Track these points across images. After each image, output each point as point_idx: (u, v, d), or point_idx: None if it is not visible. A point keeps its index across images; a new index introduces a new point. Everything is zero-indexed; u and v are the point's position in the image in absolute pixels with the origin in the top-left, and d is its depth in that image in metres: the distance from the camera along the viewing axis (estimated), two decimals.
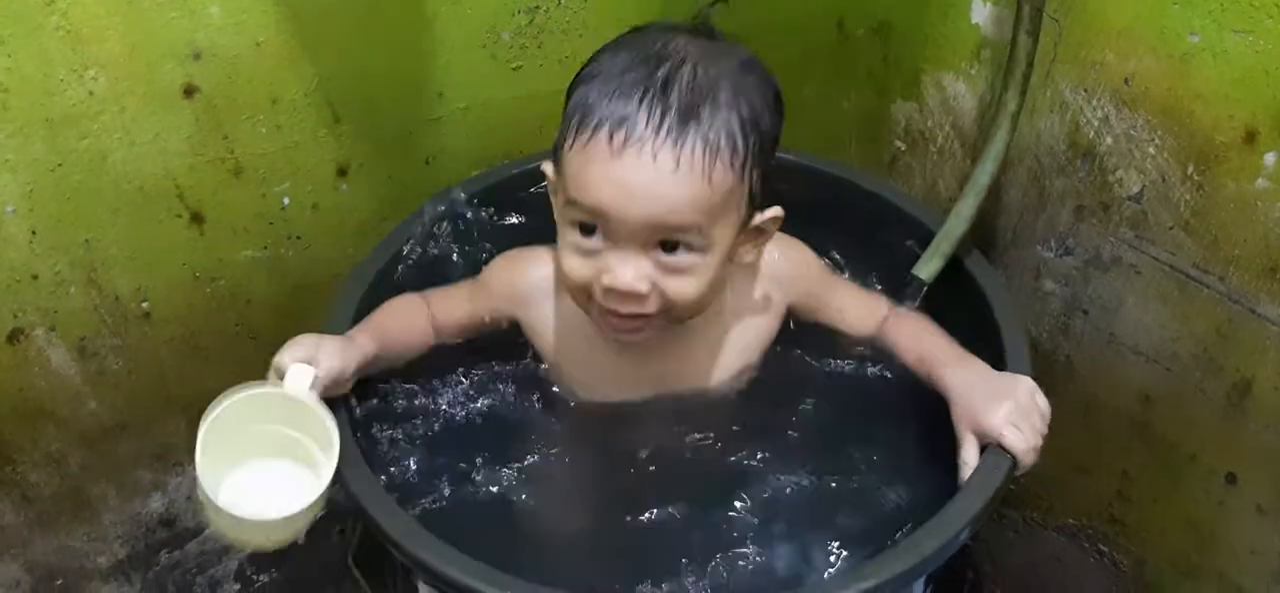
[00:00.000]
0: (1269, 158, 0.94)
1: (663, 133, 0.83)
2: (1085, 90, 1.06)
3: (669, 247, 0.87)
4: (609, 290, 0.87)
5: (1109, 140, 1.06)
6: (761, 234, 0.94)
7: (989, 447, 0.87)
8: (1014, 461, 0.86)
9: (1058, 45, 1.06)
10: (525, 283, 1.02)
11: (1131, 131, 1.03)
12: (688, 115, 0.84)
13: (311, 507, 0.84)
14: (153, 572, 1.32)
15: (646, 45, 0.88)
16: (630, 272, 0.87)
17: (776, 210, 0.93)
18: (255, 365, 0.94)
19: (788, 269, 1.03)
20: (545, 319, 1.02)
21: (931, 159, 1.28)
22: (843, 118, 1.37)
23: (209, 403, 0.91)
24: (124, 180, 1.05)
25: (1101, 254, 1.11)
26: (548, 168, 0.93)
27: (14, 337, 1.08)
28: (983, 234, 1.18)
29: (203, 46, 1.02)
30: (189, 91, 1.03)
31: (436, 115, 1.17)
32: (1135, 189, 1.05)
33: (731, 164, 0.86)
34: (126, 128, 1.02)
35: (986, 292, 1.04)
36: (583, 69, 0.90)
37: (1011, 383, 0.90)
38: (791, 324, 1.05)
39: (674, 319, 0.92)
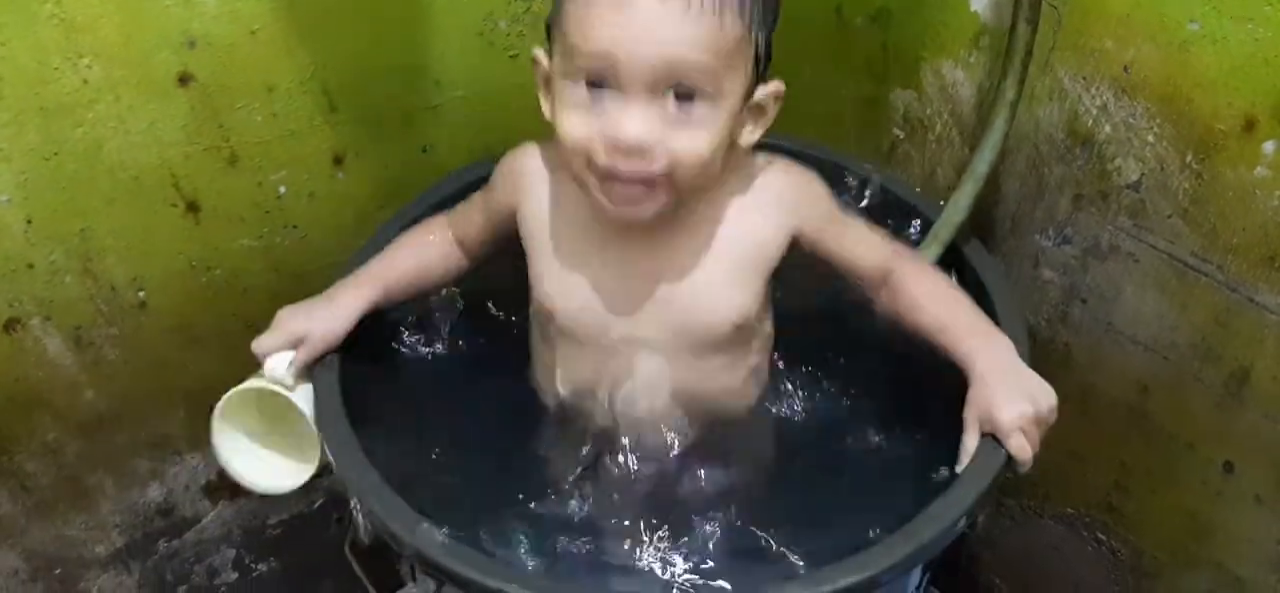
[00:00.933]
0: (1268, 146, 0.93)
1: None
2: (1084, 78, 1.05)
3: (680, 95, 0.82)
4: (613, 144, 0.82)
5: (1108, 128, 1.05)
6: (762, 113, 0.91)
7: (987, 435, 0.87)
8: (1010, 461, 0.85)
9: (1057, 33, 1.06)
10: (524, 167, 0.99)
11: (1130, 120, 1.03)
12: None
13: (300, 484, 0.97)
14: (151, 561, 1.32)
15: None
16: (638, 121, 0.82)
17: (778, 84, 0.89)
18: (252, 355, 0.95)
19: (796, 195, 0.96)
20: (538, 206, 0.98)
21: (930, 147, 1.28)
22: (841, 105, 1.37)
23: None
24: (119, 169, 1.05)
25: (1100, 243, 1.11)
26: (539, 53, 0.90)
27: (10, 326, 1.08)
28: (981, 222, 1.18)
29: (198, 34, 1.01)
30: (184, 80, 1.03)
31: (433, 103, 1.17)
32: (1134, 177, 1.05)
33: (740, 10, 0.82)
34: (121, 116, 1.02)
35: (985, 280, 1.04)
36: None
37: (1038, 388, 0.87)
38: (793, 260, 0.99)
39: (679, 188, 0.86)
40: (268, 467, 0.99)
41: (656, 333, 0.95)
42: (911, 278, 0.97)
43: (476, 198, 1.05)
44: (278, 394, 0.94)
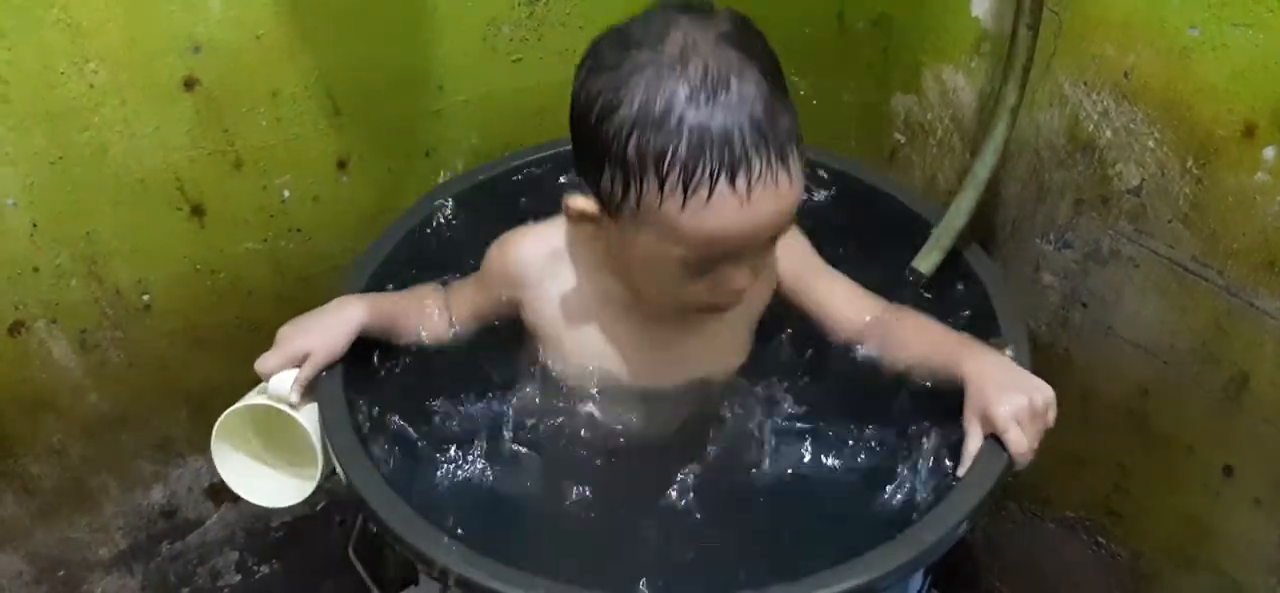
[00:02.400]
0: (1268, 152, 0.94)
1: (775, 161, 0.81)
2: (1085, 84, 1.06)
3: (772, 242, 0.89)
4: (731, 298, 0.89)
5: (1108, 134, 1.06)
6: None
7: (989, 438, 0.87)
8: (1009, 458, 0.86)
9: (1057, 39, 1.06)
10: (518, 264, 0.99)
11: (1131, 125, 1.03)
12: (776, 129, 0.82)
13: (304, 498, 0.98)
14: (154, 563, 1.32)
15: (678, 63, 0.81)
16: (747, 275, 0.88)
17: None
18: (255, 358, 0.95)
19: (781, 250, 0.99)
20: (545, 297, 0.99)
21: (931, 152, 1.28)
22: (843, 110, 1.37)
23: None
24: (124, 173, 1.05)
25: (1100, 247, 1.11)
26: (586, 205, 0.89)
27: (15, 329, 1.08)
28: (982, 227, 1.18)
29: (203, 39, 1.02)
30: (189, 84, 1.03)
31: (437, 108, 1.17)
32: (1134, 183, 1.05)
33: (800, 141, 0.86)
34: (127, 121, 1.03)
35: (986, 284, 1.04)
36: (615, 108, 0.83)
37: (1032, 383, 0.89)
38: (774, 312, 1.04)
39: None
40: (268, 482, 1.00)
41: (671, 387, 1.01)
42: (900, 322, 1.01)
43: (468, 284, 1.05)
44: (279, 413, 0.94)
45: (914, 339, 0.99)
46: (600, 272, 0.97)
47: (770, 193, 0.82)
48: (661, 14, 0.85)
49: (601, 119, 0.83)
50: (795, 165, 0.84)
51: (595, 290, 0.97)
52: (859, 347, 1.02)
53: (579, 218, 0.90)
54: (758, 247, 0.86)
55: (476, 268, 1.06)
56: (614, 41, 0.86)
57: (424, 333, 1.03)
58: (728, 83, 0.81)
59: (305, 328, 0.96)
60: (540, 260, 0.99)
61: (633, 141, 0.82)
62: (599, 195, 0.87)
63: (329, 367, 0.95)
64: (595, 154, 0.85)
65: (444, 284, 1.06)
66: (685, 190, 0.81)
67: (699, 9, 0.85)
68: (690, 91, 0.80)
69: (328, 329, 0.96)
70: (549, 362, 1.01)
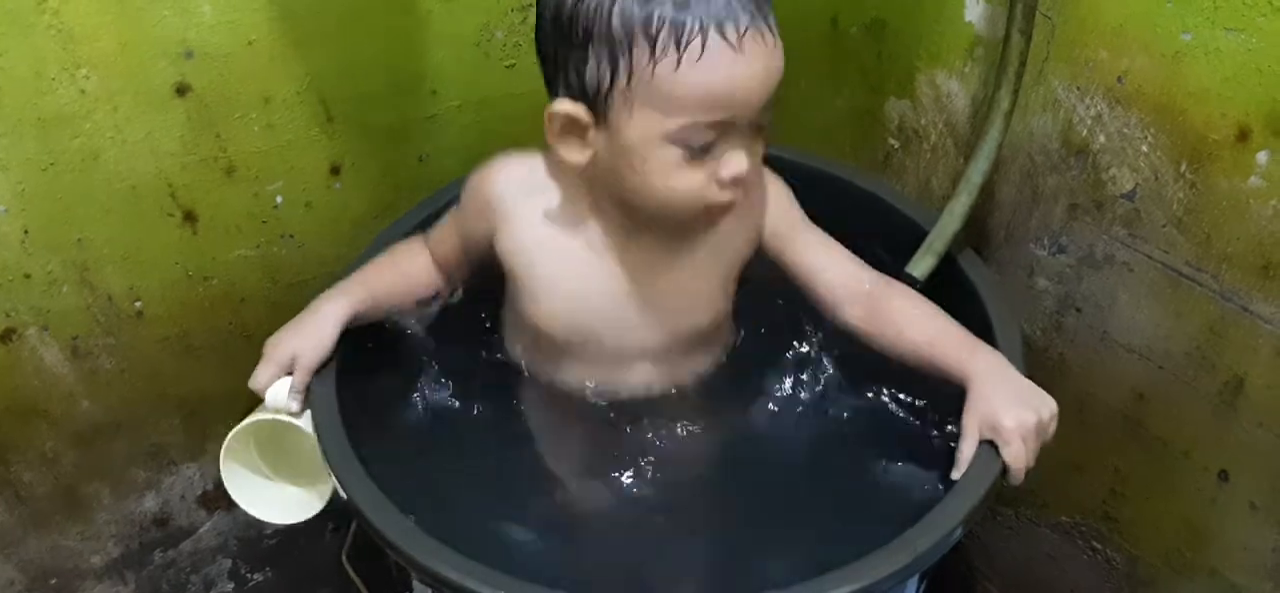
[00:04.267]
0: (1261, 156, 0.94)
1: (757, 12, 0.82)
2: (1078, 88, 1.06)
3: (760, 126, 0.87)
4: (729, 183, 0.87)
5: (1102, 138, 1.06)
6: None
7: (985, 443, 0.87)
8: (1004, 471, 0.86)
9: (1051, 43, 1.06)
10: (494, 188, 0.98)
11: (1124, 130, 1.03)
12: None
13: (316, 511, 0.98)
14: (147, 571, 1.32)
15: None
16: (744, 157, 0.86)
17: None
18: (248, 365, 0.95)
19: (762, 197, 1.00)
20: (520, 231, 0.97)
21: (925, 157, 1.28)
22: (836, 115, 1.37)
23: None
24: (116, 179, 1.05)
25: (1094, 252, 1.11)
26: (572, 109, 0.87)
27: (6, 336, 1.08)
28: (976, 232, 1.18)
29: (195, 45, 1.02)
30: (181, 90, 1.03)
31: (430, 113, 1.17)
32: (1128, 187, 1.05)
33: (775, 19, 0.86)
34: (118, 127, 1.02)
35: (980, 289, 1.04)
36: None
37: (1039, 398, 0.88)
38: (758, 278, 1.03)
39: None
40: (281, 497, 0.99)
41: (650, 342, 0.99)
42: (896, 300, 0.98)
43: (449, 220, 1.04)
44: (280, 423, 0.93)
45: (912, 323, 0.96)
46: (580, 197, 0.95)
47: (760, 46, 0.82)
48: None
49: (567, 12, 0.84)
50: (774, 27, 0.84)
51: (573, 216, 0.96)
52: (844, 316, 0.99)
53: (564, 126, 0.88)
54: (751, 114, 0.85)
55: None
56: None
57: (414, 295, 1.04)
58: None
59: (289, 333, 0.96)
60: (517, 185, 0.97)
61: (616, 12, 0.82)
62: (584, 91, 0.86)
63: (321, 366, 0.95)
64: (576, 47, 0.85)
65: (421, 236, 1.06)
66: (678, 46, 0.81)
67: None
68: None
69: (311, 329, 0.95)
70: (522, 305, 0.99)
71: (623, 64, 0.83)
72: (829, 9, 1.31)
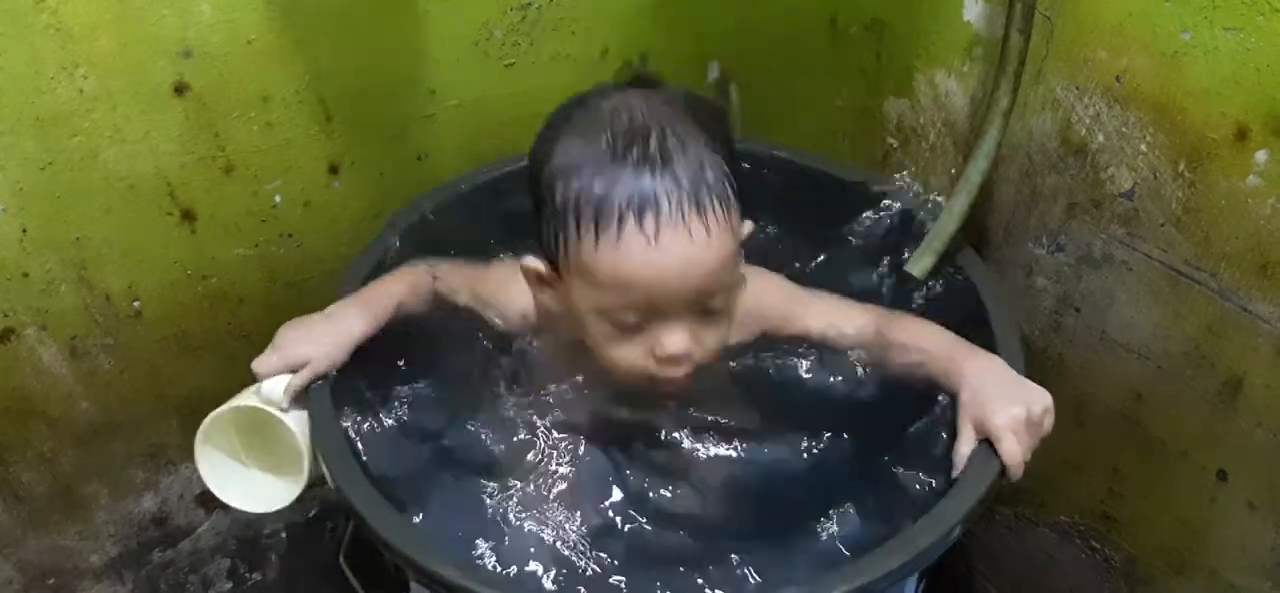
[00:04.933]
0: (1260, 155, 0.94)
1: (687, 206, 0.83)
2: (1077, 88, 1.06)
3: (707, 308, 0.88)
4: (665, 360, 0.88)
5: (1101, 138, 1.06)
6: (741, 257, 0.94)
7: (982, 443, 0.87)
8: (1001, 468, 0.86)
9: (1049, 43, 1.06)
10: (512, 310, 1.02)
11: (1123, 129, 1.03)
12: (696, 181, 0.84)
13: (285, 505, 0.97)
14: (145, 570, 1.32)
15: (608, 119, 0.86)
16: (680, 337, 0.87)
17: (749, 225, 0.92)
18: (247, 364, 0.95)
19: (753, 312, 1.00)
20: (531, 352, 1.02)
21: (923, 156, 1.28)
22: (835, 115, 1.37)
23: (200, 401, 0.97)
24: (115, 179, 1.05)
25: (1093, 251, 1.11)
26: (536, 266, 0.92)
27: (5, 336, 1.08)
28: (975, 231, 1.18)
29: (193, 44, 1.02)
30: (180, 90, 1.03)
31: (429, 112, 1.17)
32: (1127, 187, 1.05)
33: (735, 206, 0.87)
34: (117, 126, 1.02)
35: (979, 289, 1.04)
36: (547, 162, 0.88)
37: (1030, 392, 0.89)
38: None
39: (702, 365, 0.92)
40: (249, 485, 0.99)
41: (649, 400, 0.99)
42: (897, 327, 1.00)
43: (465, 280, 1.05)
44: (266, 414, 0.93)
45: (911, 343, 0.98)
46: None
47: (681, 239, 0.83)
48: (614, 84, 0.90)
49: (536, 173, 0.89)
50: (717, 222, 0.84)
51: (573, 351, 0.97)
52: (853, 358, 1.01)
53: (536, 281, 0.93)
54: (680, 302, 0.86)
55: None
56: (564, 106, 0.91)
57: (416, 313, 1.04)
58: (649, 133, 0.84)
59: (306, 335, 0.95)
60: (529, 317, 1.01)
61: (559, 189, 0.86)
62: (546, 250, 0.90)
63: (326, 376, 0.94)
64: (537, 209, 0.90)
65: (429, 270, 1.06)
66: (596, 229, 0.83)
67: (654, 84, 0.90)
68: (611, 139, 0.84)
69: (329, 340, 0.95)
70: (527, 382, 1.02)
71: (561, 236, 0.86)
72: (828, 9, 1.31)
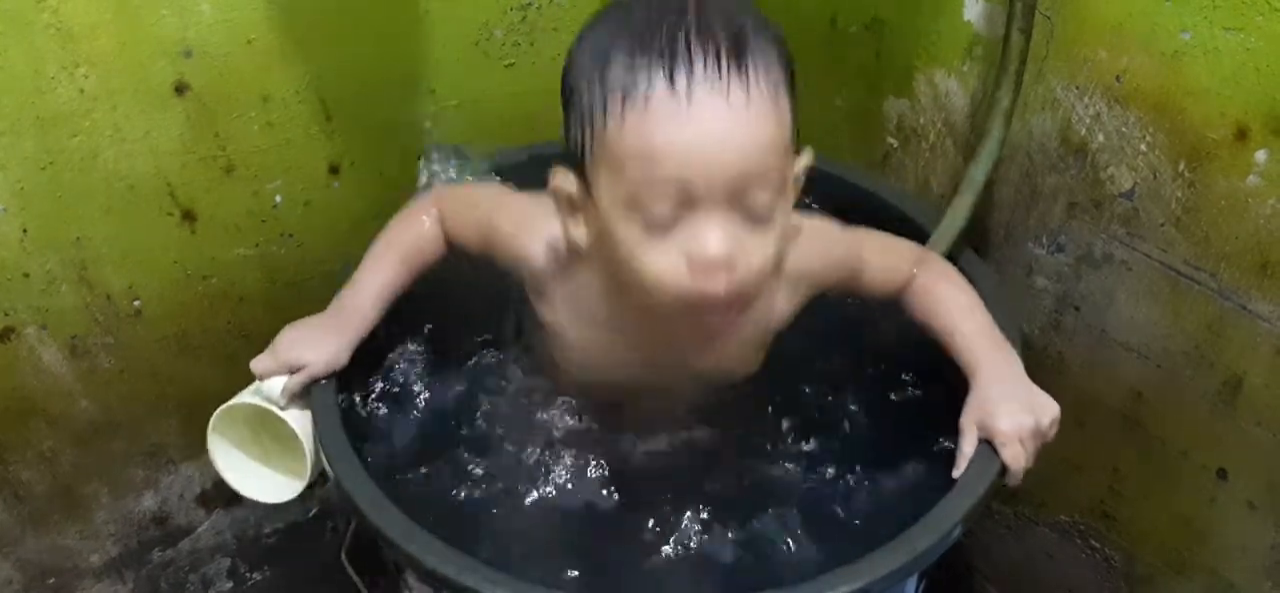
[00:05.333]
0: (1260, 155, 0.94)
1: (724, 66, 0.73)
2: (1077, 88, 1.06)
3: (751, 210, 0.77)
4: (701, 264, 0.76)
5: (1101, 137, 1.06)
6: (795, 187, 0.84)
7: (984, 443, 0.87)
8: (1002, 471, 0.86)
9: (1050, 42, 1.06)
10: (536, 257, 0.93)
11: (1123, 129, 1.03)
12: (739, 39, 0.74)
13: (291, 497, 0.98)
14: (145, 570, 1.32)
15: (642, 4, 0.78)
16: (719, 236, 0.75)
17: (808, 156, 0.84)
18: (247, 364, 0.95)
19: (815, 267, 0.94)
20: (556, 298, 0.93)
21: (924, 156, 1.28)
22: (835, 114, 1.37)
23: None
24: (115, 178, 1.05)
25: (1093, 251, 1.11)
26: (565, 182, 0.83)
27: (5, 335, 1.08)
28: (975, 230, 1.18)
29: (194, 44, 1.02)
30: (180, 89, 1.03)
31: (429, 112, 1.17)
32: (1127, 186, 1.05)
33: (788, 91, 0.78)
34: (117, 126, 1.02)
35: (979, 288, 1.04)
36: (581, 56, 0.79)
37: (1039, 401, 0.88)
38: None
39: (749, 299, 0.80)
40: (262, 478, 1.00)
41: (675, 386, 0.97)
42: (934, 281, 0.98)
43: (474, 219, 0.99)
44: (267, 411, 0.94)
45: (942, 311, 0.96)
46: (600, 271, 0.90)
47: (718, 100, 0.73)
48: None
49: (568, 71, 0.81)
50: (761, 92, 0.75)
51: (605, 297, 0.90)
52: (897, 303, 0.99)
53: (564, 205, 0.84)
54: (718, 188, 0.75)
55: (468, 271, 1.06)
56: (601, 14, 0.82)
57: (425, 269, 1.01)
58: (686, 5, 0.76)
59: (305, 338, 0.94)
60: (556, 256, 0.92)
61: (586, 79, 0.78)
62: (574, 160, 0.81)
63: (326, 378, 0.94)
64: (566, 112, 0.81)
65: (437, 206, 1.02)
66: (624, 100, 0.74)
67: None
68: (645, 18, 0.76)
69: (327, 345, 0.94)
70: (554, 352, 0.96)
71: (589, 127, 0.78)
72: (828, 8, 1.31)
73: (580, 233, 0.85)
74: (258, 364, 0.94)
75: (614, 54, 0.76)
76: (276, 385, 0.94)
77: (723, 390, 0.99)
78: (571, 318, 0.94)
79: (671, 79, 0.73)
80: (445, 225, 1.01)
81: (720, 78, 0.74)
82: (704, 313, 0.79)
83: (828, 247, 0.96)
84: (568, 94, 0.81)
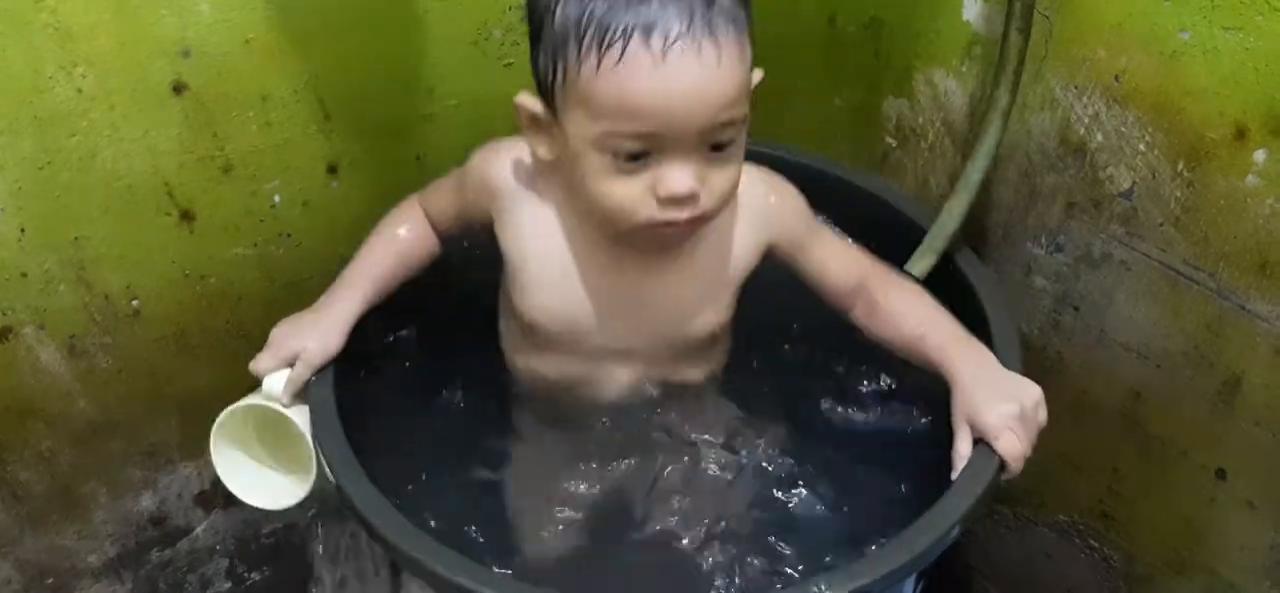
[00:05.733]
0: (1259, 155, 0.94)
1: (697, 22, 0.78)
2: (1076, 87, 1.06)
3: (717, 144, 0.83)
4: (669, 200, 0.82)
5: (1100, 137, 1.06)
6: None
7: (980, 442, 0.87)
8: (1002, 464, 0.86)
9: (1048, 42, 1.06)
10: (500, 176, 0.96)
11: (1122, 128, 1.03)
12: (726, 7, 0.79)
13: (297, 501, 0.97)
14: (144, 570, 1.31)
15: None
16: (689, 176, 0.82)
17: (759, 73, 0.88)
18: (246, 364, 0.95)
19: (773, 209, 0.97)
20: (517, 220, 0.96)
21: (923, 155, 1.28)
22: (834, 114, 1.37)
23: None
24: (113, 178, 1.05)
25: (1092, 251, 1.11)
26: (531, 103, 0.87)
27: (3, 335, 1.08)
28: (973, 230, 1.18)
29: (192, 44, 1.01)
30: (178, 89, 1.03)
31: (427, 112, 1.17)
32: (1126, 186, 1.05)
33: (748, 32, 0.82)
34: (115, 125, 1.02)
35: (978, 288, 1.04)
36: None
37: (1021, 387, 0.88)
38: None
39: (709, 218, 0.87)
40: (267, 484, 0.99)
41: (638, 344, 0.97)
42: (889, 291, 0.98)
43: (449, 183, 1.02)
44: (272, 411, 0.94)
45: (905, 318, 0.96)
46: (568, 197, 0.93)
47: (691, 59, 0.78)
48: None
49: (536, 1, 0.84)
50: (729, 44, 0.79)
51: (565, 220, 0.94)
52: (848, 313, 1.00)
53: (530, 125, 0.88)
54: (688, 134, 0.80)
55: (469, 270, 1.06)
56: None
57: (415, 270, 1.03)
58: None
59: (296, 329, 0.96)
60: (519, 173, 0.96)
61: (558, 9, 0.81)
62: (541, 85, 0.86)
63: (325, 365, 0.95)
64: (533, 38, 0.85)
65: (418, 196, 1.05)
66: (599, 47, 0.78)
67: None
68: None
69: (321, 330, 0.95)
70: (513, 295, 0.97)
71: (559, 62, 0.82)
72: (826, 7, 1.31)
73: (544, 151, 0.89)
74: (257, 363, 0.94)
75: (588, 4, 0.79)
76: (278, 382, 0.94)
77: (694, 352, 0.99)
78: (534, 245, 0.95)
79: (646, 36, 0.77)
80: (424, 205, 1.04)
81: (692, 36, 0.78)
82: (662, 236, 0.87)
83: (785, 195, 0.99)
84: (536, 20, 0.84)
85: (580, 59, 0.80)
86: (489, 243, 0.98)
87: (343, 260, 1.08)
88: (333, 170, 1.15)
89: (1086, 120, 1.06)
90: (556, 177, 0.93)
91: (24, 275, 1.06)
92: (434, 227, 1.04)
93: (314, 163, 1.14)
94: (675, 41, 0.77)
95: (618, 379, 0.99)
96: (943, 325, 0.95)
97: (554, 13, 0.82)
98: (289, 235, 1.17)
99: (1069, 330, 1.17)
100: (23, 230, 1.03)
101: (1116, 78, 1.02)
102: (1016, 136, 1.13)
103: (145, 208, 1.08)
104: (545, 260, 0.95)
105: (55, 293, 1.08)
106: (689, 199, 0.83)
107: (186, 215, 1.10)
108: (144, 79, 1.01)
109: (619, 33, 0.78)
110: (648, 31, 0.78)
